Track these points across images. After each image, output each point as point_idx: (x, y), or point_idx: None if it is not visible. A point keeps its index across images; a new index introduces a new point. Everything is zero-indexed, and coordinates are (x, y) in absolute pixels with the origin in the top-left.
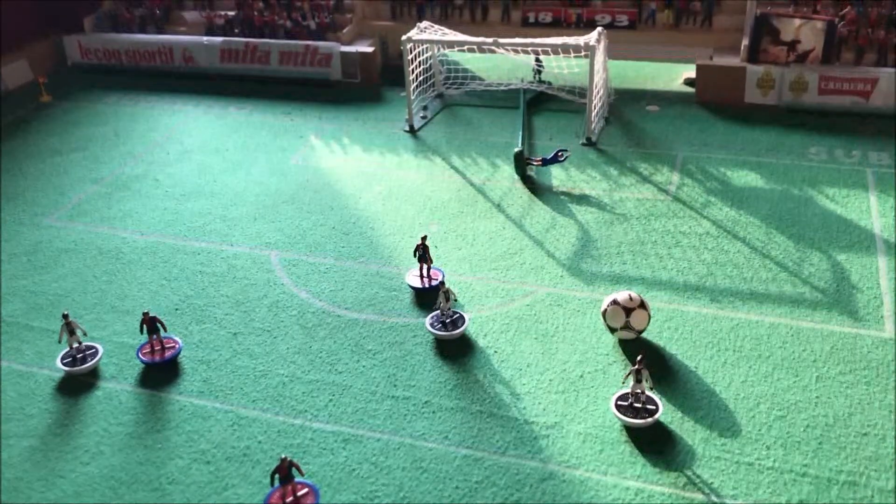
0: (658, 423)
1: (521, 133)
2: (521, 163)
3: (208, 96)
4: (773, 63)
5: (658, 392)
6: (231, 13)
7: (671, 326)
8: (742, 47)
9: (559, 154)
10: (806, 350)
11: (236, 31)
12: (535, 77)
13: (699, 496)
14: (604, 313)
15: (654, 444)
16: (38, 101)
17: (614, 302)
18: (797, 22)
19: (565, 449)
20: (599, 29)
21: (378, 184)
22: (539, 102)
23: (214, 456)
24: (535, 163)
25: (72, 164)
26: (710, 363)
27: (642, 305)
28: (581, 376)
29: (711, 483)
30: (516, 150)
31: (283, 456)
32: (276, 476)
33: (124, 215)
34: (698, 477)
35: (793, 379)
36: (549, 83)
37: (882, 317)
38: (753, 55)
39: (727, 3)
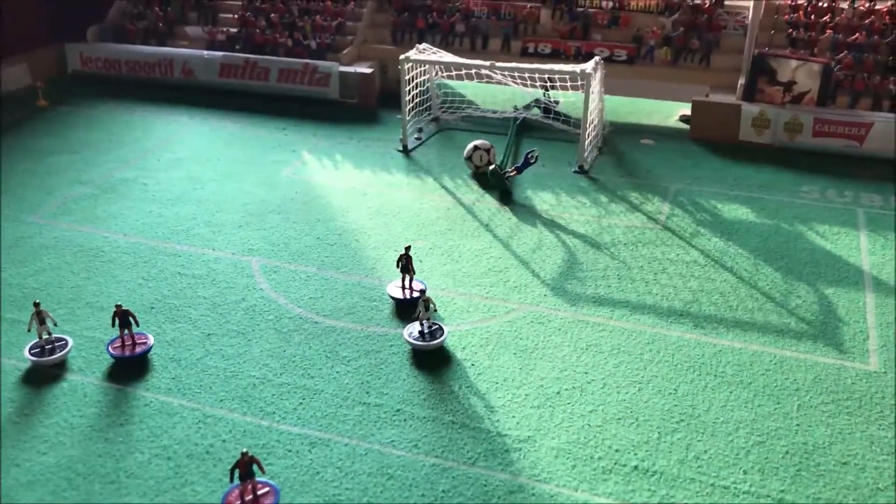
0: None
1: (503, 155)
2: (498, 178)
3: (205, 109)
4: (768, 103)
5: (633, 413)
6: (233, 30)
7: (653, 349)
8: (738, 86)
9: (529, 156)
10: (789, 378)
11: (237, 47)
12: (545, 95)
13: None
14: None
15: (629, 463)
16: (34, 105)
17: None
18: (794, 63)
19: (537, 463)
20: (597, 58)
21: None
22: (530, 128)
23: (176, 452)
24: (510, 174)
25: (62, 166)
26: (690, 386)
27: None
28: (558, 392)
29: None
30: (490, 167)
31: (243, 451)
32: (236, 472)
33: (109, 216)
34: (672, 497)
35: (774, 406)
36: (557, 101)
37: (867, 350)
38: (750, 94)
39: (726, 42)
